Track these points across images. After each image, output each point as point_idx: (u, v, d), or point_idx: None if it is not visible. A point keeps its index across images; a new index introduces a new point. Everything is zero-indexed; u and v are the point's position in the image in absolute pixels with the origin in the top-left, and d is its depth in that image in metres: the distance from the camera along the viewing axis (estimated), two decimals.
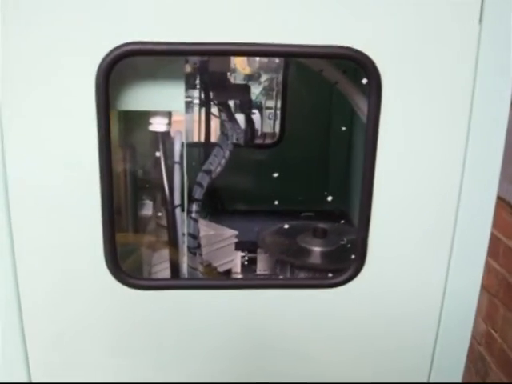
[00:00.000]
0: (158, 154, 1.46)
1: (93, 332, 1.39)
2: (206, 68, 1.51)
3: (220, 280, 1.60)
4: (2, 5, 1.11)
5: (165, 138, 1.47)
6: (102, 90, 1.18)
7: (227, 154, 1.68)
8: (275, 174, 1.84)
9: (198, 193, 1.49)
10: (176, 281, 1.48)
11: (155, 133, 1.46)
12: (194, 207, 1.50)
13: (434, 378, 1.55)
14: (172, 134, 1.46)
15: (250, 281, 1.66)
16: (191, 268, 1.53)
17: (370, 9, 1.23)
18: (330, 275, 1.47)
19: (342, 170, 2.53)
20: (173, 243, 1.48)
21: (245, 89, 1.78)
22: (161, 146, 1.47)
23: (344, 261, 1.59)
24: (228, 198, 2.38)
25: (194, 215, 1.50)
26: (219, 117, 1.63)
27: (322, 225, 1.87)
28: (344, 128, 2.34)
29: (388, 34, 1.24)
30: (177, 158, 1.45)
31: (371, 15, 1.23)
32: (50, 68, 1.17)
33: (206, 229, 1.79)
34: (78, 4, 1.14)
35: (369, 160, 1.31)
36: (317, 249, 1.86)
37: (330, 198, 1.76)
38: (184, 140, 1.47)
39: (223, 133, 1.65)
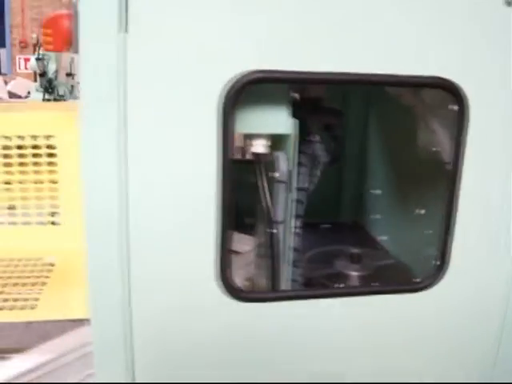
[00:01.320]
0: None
1: (201, 344, 1.48)
2: (304, 92, 1.62)
3: (329, 289, 1.72)
4: (132, 30, 1.23)
5: (265, 158, 1.59)
6: (227, 115, 1.29)
7: (318, 172, 1.78)
8: None
9: (300, 209, 1.61)
10: (284, 292, 1.60)
11: (256, 154, 1.59)
12: (297, 223, 1.61)
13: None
14: (276, 154, 1.59)
15: (347, 289, 1.77)
16: (293, 280, 1.65)
17: (455, 40, 1.34)
18: (417, 280, 1.58)
19: (357, 182, 2.55)
20: (275, 257, 1.61)
21: (338, 113, 1.88)
22: (262, 166, 1.60)
23: (380, 283, 1.72)
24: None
25: (297, 230, 1.61)
26: (312, 138, 1.73)
27: (355, 250, 1.98)
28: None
29: (473, 61, 1.35)
30: (281, 177, 1.57)
31: (457, 45, 1.34)
32: (178, 92, 1.29)
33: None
34: (209, 32, 1.27)
35: (454, 176, 1.46)
36: (354, 273, 1.96)
37: None
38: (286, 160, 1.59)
39: (313, 153, 1.74)
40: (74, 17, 1.41)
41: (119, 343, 1.45)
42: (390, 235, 2.20)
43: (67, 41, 1.38)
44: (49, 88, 8.74)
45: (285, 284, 1.61)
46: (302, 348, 1.53)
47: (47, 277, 1.78)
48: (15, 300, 1.66)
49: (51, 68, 8.81)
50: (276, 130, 1.53)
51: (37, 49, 8.92)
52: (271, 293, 1.60)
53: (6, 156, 1.95)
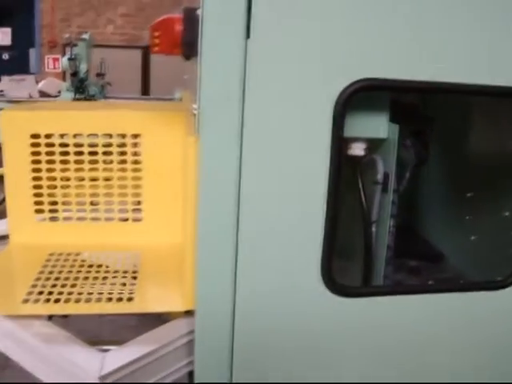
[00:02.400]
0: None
1: (302, 341, 1.54)
2: (401, 98, 1.69)
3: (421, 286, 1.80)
4: (254, 36, 1.31)
5: (362, 160, 1.66)
6: (340, 119, 1.36)
7: (407, 175, 1.85)
8: None
9: (394, 209, 1.68)
10: (383, 288, 1.69)
11: (354, 156, 1.66)
12: (392, 222, 1.68)
13: None
14: (374, 157, 1.65)
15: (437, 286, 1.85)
16: (385, 277, 1.72)
17: None
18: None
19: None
20: (369, 255, 1.68)
21: (430, 119, 1.96)
22: (359, 168, 1.67)
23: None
24: None
25: (391, 229, 1.68)
26: (404, 142, 1.80)
27: (413, 263, 2.04)
28: None
29: None
30: (378, 179, 1.64)
31: None
32: (295, 96, 1.36)
33: None
34: (328, 39, 1.34)
35: None
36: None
37: None
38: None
39: (404, 157, 1.81)
40: (188, 21, 1.49)
41: (222, 336, 1.52)
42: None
43: (175, 44, 1.43)
44: (80, 88, 8.84)
45: (379, 279, 1.68)
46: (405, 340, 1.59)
47: (135, 271, 1.83)
48: (110, 293, 1.71)
49: (83, 68, 8.93)
50: (376, 134, 1.60)
51: (69, 49, 9.02)
52: (373, 288, 1.66)
53: (92, 153, 2.00)
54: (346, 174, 1.65)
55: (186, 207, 1.58)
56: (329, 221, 1.41)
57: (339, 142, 1.37)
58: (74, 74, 8.91)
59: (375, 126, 1.57)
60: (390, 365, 1.60)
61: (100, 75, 9.69)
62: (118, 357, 1.54)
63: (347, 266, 1.83)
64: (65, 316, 1.93)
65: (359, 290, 1.66)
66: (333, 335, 1.54)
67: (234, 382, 1.55)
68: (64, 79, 9.56)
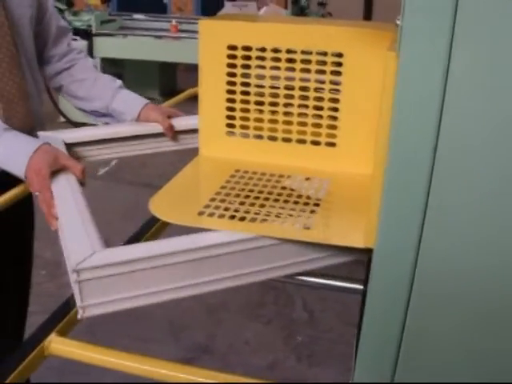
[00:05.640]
0: None
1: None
2: None
3: None
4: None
5: None
6: None
7: None
8: None
9: None
10: None
11: None
12: None
13: None
14: None
15: None
16: None
17: None
18: None
19: None
20: None
21: None
22: None
23: None
24: None
25: None
26: None
27: None
28: None
29: None
30: None
31: None
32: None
33: None
34: None
35: None
36: None
37: None
38: None
39: None
40: None
41: (398, 283, 1.32)
42: None
43: None
44: (299, 16, 8.85)
45: None
46: None
47: (319, 199, 1.69)
48: (288, 216, 1.59)
49: None
50: None
51: None
52: None
53: (289, 69, 1.87)
54: None
55: (379, 134, 1.38)
56: None
57: None
58: (296, 2, 8.90)
59: None
60: None
61: (321, 4, 9.57)
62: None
63: None
64: None
65: None
66: None
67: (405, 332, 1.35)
68: (286, 6, 9.57)
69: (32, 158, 1.86)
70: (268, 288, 5.14)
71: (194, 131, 2.29)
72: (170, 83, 11.54)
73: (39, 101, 2.67)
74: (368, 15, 12.21)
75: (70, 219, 1.65)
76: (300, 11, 8.92)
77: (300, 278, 1.87)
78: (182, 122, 2.44)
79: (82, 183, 1.94)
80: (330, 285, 2.04)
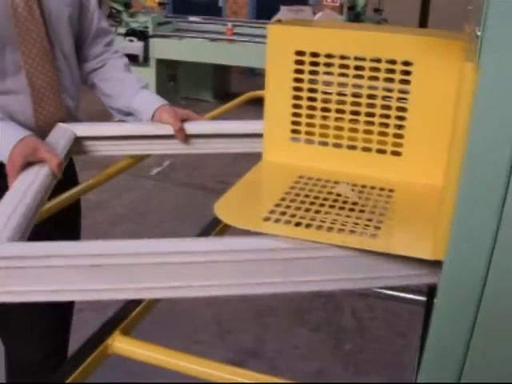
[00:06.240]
0: None
1: None
2: None
3: None
4: None
5: None
6: None
7: None
8: None
9: None
10: None
11: None
12: None
13: None
14: None
15: None
16: None
17: None
18: None
19: None
20: None
21: None
22: None
23: None
24: None
25: None
26: None
27: None
28: None
29: None
30: None
31: None
32: None
33: None
34: None
35: None
36: None
37: None
38: None
39: None
40: None
41: (469, 294, 1.30)
42: None
43: None
44: (355, 22, 8.83)
45: None
46: None
47: (385, 208, 1.67)
48: (354, 225, 1.58)
49: (360, 2, 8.84)
50: None
51: None
52: None
53: (357, 77, 1.85)
54: None
55: (453, 145, 1.36)
56: None
57: None
58: (352, 8, 8.86)
59: None
60: None
61: (377, 11, 9.50)
62: None
63: None
64: None
65: None
66: None
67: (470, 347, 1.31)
68: (341, 12, 9.53)
69: (14, 148, 1.98)
70: (316, 295, 5.12)
71: (206, 136, 2.39)
72: (223, 86, 11.62)
73: (75, 96, 2.77)
74: (424, 22, 12.07)
75: (2, 208, 1.68)
76: (355, 17, 8.88)
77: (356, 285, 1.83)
78: (195, 126, 2.44)
79: (55, 176, 2.01)
80: (386, 294, 2.01)
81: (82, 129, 2.48)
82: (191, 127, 2.42)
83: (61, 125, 2.48)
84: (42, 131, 2.42)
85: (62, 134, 2.36)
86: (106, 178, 2.56)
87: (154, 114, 2.52)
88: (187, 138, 2.38)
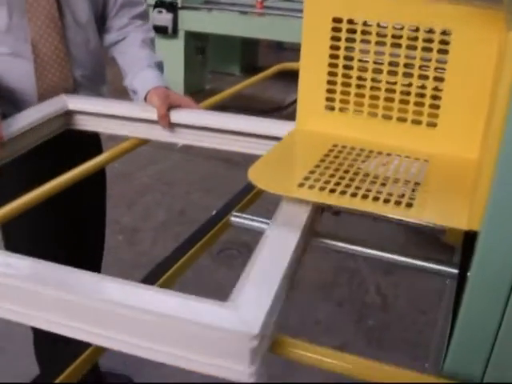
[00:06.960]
0: None
1: None
2: None
3: None
4: None
5: None
6: None
7: None
8: None
9: None
10: None
11: None
12: None
13: None
14: None
15: None
16: None
17: None
18: None
19: None
20: None
21: None
22: None
23: None
24: None
25: None
26: None
27: None
28: None
29: None
30: None
31: None
32: None
33: None
34: None
35: None
36: None
37: None
38: None
39: None
40: None
41: (505, 265, 1.28)
42: None
43: None
44: None
45: None
46: None
47: (418, 179, 1.66)
48: (389, 195, 1.57)
49: None
50: None
51: None
52: None
53: (394, 45, 1.83)
54: None
55: (493, 117, 1.33)
56: None
57: None
58: None
59: None
60: None
61: None
62: None
63: None
64: (336, 213, 1.86)
65: None
66: None
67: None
68: None
69: None
70: (341, 270, 5.12)
71: (191, 127, 2.25)
72: (251, 59, 11.54)
73: (91, 67, 2.71)
74: None
75: None
76: None
77: (387, 255, 1.80)
78: (181, 115, 2.26)
79: None
80: (416, 265, 1.94)
81: (76, 102, 2.43)
82: (177, 115, 2.24)
83: (60, 96, 2.45)
84: (44, 100, 2.40)
85: (56, 106, 2.33)
86: (131, 146, 2.51)
87: (147, 96, 2.42)
88: (171, 125, 2.23)
